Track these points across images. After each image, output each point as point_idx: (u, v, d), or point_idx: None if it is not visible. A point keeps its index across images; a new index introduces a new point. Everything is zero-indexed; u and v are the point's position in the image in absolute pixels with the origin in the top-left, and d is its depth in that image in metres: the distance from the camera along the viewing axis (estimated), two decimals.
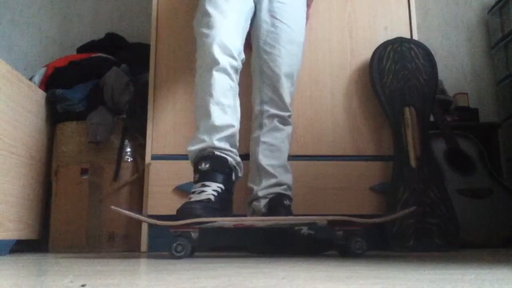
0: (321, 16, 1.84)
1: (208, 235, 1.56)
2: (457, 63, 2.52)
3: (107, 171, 1.76)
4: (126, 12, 2.51)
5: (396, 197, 1.59)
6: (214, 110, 1.33)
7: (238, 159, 1.38)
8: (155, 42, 1.79)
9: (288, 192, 1.46)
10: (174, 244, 1.17)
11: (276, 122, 1.51)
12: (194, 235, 1.23)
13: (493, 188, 1.74)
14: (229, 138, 1.35)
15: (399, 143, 1.67)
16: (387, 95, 1.72)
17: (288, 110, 1.53)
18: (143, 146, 1.74)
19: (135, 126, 1.81)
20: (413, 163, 1.64)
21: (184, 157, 1.62)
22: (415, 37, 1.82)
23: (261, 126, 1.51)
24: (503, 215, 1.69)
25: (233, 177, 1.35)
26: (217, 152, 1.31)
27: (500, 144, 2.22)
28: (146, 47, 1.83)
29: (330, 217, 1.25)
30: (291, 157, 1.68)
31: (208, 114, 1.33)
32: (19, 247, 1.63)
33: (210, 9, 1.40)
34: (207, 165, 1.29)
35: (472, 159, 1.80)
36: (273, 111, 1.51)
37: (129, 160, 1.80)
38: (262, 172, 1.46)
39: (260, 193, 1.43)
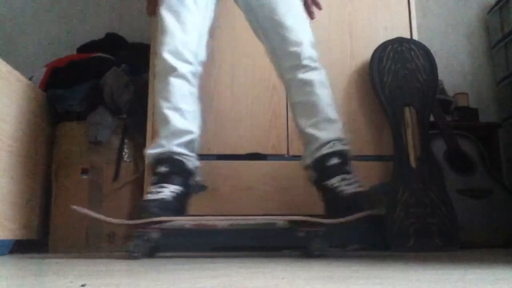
0: (321, 16, 1.84)
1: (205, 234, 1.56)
2: (457, 63, 2.52)
3: (107, 171, 1.76)
4: (126, 12, 2.51)
5: (396, 197, 1.59)
6: (173, 116, 1.32)
7: (197, 163, 1.37)
8: (155, 42, 1.79)
9: (336, 148, 1.31)
10: (131, 244, 1.16)
11: (298, 75, 1.38)
12: (155, 235, 1.21)
13: (493, 188, 1.74)
14: (188, 144, 1.34)
15: (399, 143, 1.67)
16: (387, 95, 1.72)
17: (305, 52, 1.39)
18: (143, 146, 1.74)
19: (135, 126, 1.80)
20: (413, 163, 1.64)
21: None
22: (415, 37, 1.82)
23: (288, 86, 1.42)
24: (503, 215, 1.69)
25: (191, 181, 1.34)
26: (175, 156, 1.31)
27: (500, 144, 2.22)
28: (146, 47, 1.83)
29: (290, 218, 1.22)
30: (292, 157, 1.68)
31: (167, 120, 1.32)
32: (19, 247, 1.63)
33: (164, 12, 1.37)
34: (166, 168, 1.28)
35: (472, 159, 1.80)
36: (289, 63, 1.40)
37: (129, 160, 1.80)
38: (306, 137, 1.37)
39: (308, 161, 1.36)
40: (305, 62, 1.38)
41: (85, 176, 1.76)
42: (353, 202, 1.18)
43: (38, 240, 1.77)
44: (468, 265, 0.92)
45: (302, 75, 1.38)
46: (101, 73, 1.88)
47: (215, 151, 1.69)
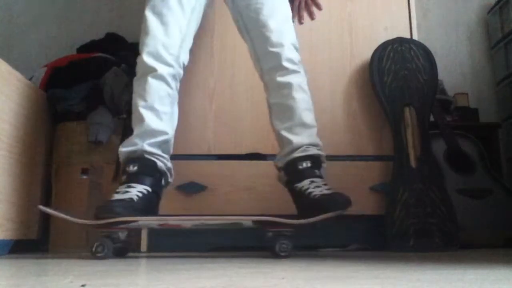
0: (321, 16, 1.84)
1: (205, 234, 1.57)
2: (457, 63, 2.52)
3: (107, 171, 1.76)
4: (126, 12, 2.51)
5: (396, 197, 1.59)
6: (148, 116, 1.33)
7: (169, 164, 1.37)
8: None
9: (308, 152, 1.32)
10: (95, 244, 1.16)
11: (277, 77, 1.39)
12: (122, 235, 1.21)
13: (493, 188, 1.74)
14: (161, 144, 1.34)
15: (399, 143, 1.67)
16: (387, 95, 1.72)
17: (285, 54, 1.40)
18: None
19: None
20: (413, 163, 1.64)
21: (184, 157, 1.62)
22: (415, 37, 1.82)
23: (267, 87, 1.44)
24: (503, 215, 1.69)
25: (162, 182, 1.35)
26: (146, 156, 1.31)
27: (500, 144, 2.22)
28: None
29: (256, 218, 1.22)
30: None
31: (141, 119, 1.33)
32: (19, 247, 1.63)
33: (148, 13, 1.40)
34: (135, 168, 1.28)
35: (472, 159, 1.80)
36: (269, 64, 1.41)
37: None
38: (281, 139, 1.38)
39: (279, 164, 1.38)
40: (284, 64, 1.39)
41: (85, 176, 1.76)
42: (321, 203, 1.19)
43: (38, 240, 1.77)
44: (468, 265, 0.92)
45: (281, 78, 1.39)
46: (101, 73, 1.88)
47: (215, 151, 1.69)
